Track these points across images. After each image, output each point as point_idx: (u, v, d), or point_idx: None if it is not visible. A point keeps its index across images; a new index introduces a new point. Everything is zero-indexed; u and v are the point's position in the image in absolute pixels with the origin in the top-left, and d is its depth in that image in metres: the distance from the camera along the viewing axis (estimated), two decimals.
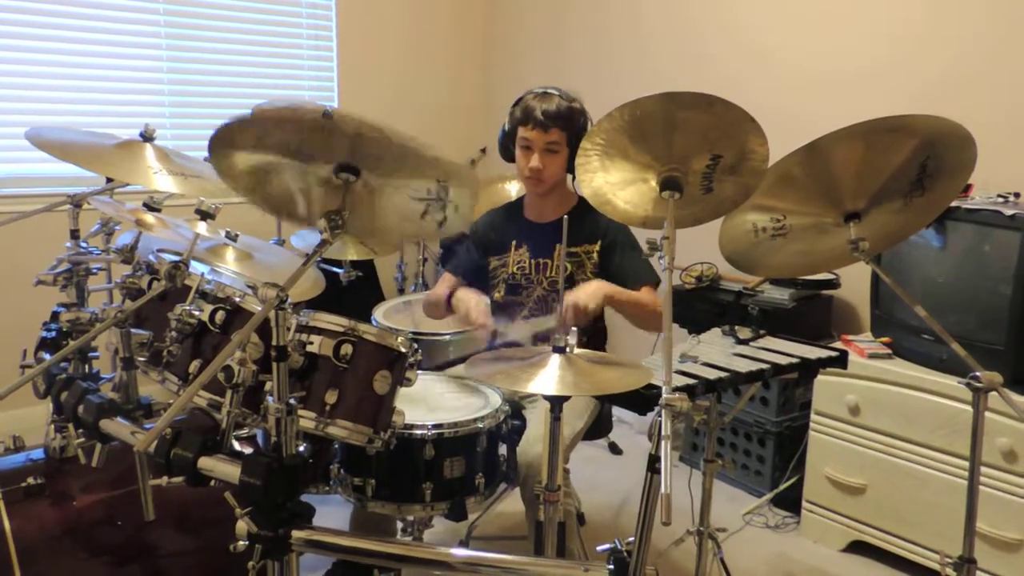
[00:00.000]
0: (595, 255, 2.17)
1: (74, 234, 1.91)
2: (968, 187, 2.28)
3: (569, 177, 2.20)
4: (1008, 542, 2.13)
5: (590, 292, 1.97)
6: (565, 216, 1.54)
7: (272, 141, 1.33)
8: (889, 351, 2.45)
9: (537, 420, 2.01)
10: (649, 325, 2.13)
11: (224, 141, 1.32)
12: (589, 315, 1.96)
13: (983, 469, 2.03)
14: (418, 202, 1.41)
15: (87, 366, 1.79)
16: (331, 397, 1.44)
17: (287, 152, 1.34)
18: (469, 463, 1.72)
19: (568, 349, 1.45)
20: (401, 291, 3.36)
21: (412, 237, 1.44)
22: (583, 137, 2.07)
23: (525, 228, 2.27)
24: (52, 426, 1.64)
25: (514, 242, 2.26)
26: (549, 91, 2.12)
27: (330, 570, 2.07)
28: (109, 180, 2.07)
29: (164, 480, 1.26)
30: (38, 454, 1.68)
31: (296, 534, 1.23)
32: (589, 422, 2.16)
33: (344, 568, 1.97)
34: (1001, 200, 2.23)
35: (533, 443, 1.88)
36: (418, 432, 1.66)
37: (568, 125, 2.09)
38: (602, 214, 2.15)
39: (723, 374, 1.67)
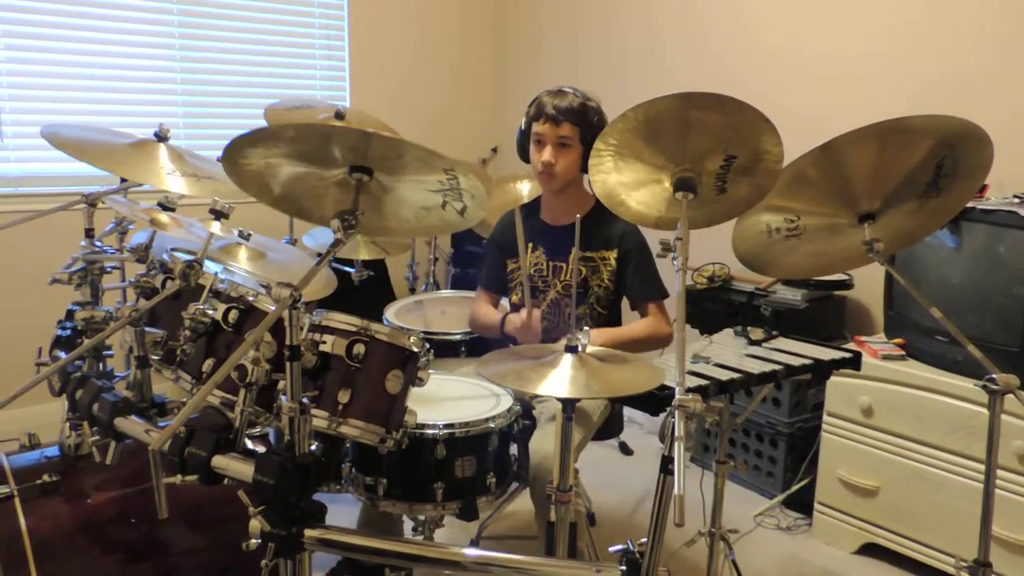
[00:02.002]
0: (612, 262, 2.16)
1: (89, 233, 1.92)
2: (983, 188, 2.26)
3: (585, 178, 2.20)
4: (1023, 545, 2.11)
5: None
6: (578, 217, 1.53)
7: (284, 149, 1.34)
8: (903, 352, 2.43)
9: (546, 420, 2.01)
10: (648, 350, 2.14)
11: (237, 151, 1.32)
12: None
13: (998, 472, 2.01)
14: (435, 194, 1.42)
15: (101, 364, 1.80)
16: (344, 396, 1.44)
17: (300, 157, 1.35)
18: (480, 463, 1.72)
19: (580, 349, 1.45)
20: (412, 290, 3.37)
21: (438, 229, 1.43)
22: (598, 135, 2.08)
23: (541, 230, 2.27)
24: (67, 424, 1.65)
25: (531, 244, 2.26)
26: (565, 89, 2.13)
27: (334, 568, 2.08)
28: (124, 179, 2.08)
29: (178, 478, 1.27)
30: (53, 451, 1.70)
31: (309, 533, 1.24)
32: (600, 422, 2.16)
33: (349, 565, 1.97)
34: (1017, 201, 2.21)
35: (542, 443, 1.88)
36: (430, 432, 1.66)
37: (580, 120, 2.09)
38: (620, 219, 2.15)
39: (735, 375, 1.67)
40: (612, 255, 2.16)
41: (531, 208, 2.34)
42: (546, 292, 2.23)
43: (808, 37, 2.96)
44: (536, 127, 2.13)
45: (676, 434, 1.05)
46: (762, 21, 3.10)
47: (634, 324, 2.16)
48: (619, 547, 1.22)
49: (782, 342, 1.94)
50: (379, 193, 1.42)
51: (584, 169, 2.14)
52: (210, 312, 1.48)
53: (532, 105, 2.16)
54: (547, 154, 2.12)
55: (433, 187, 1.40)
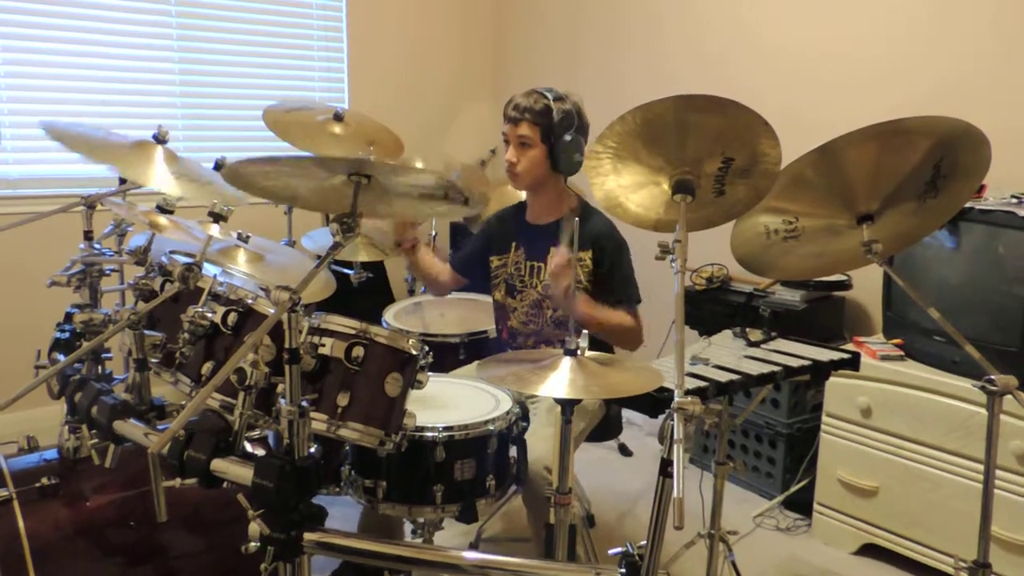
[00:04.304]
0: (588, 262, 2.15)
1: (87, 235, 1.92)
2: (982, 187, 2.27)
3: (560, 178, 2.20)
4: (1023, 546, 2.11)
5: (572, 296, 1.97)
6: (576, 220, 1.53)
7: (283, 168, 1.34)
8: (901, 353, 2.43)
9: (539, 421, 2.01)
10: (623, 344, 2.14)
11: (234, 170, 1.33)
12: (560, 293, 1.96)
13: (997, 472, 2.01)
14: (437, 189, 1.42)
15: (100, 367, 1.80)
16: (343, 399, 1.44)
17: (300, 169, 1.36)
18: (480, 465, 1.72)
19: (579, 352, 1.45)
20: (411, 292, 3.36)
21: (445, 215, 1.44)
22: (563, 135, 2.09)
23: (524, 229, 2.29)
24: (66, 427, 1.65)
25: (514, 243, 2.28)
26: (538, 89, 2.14)
27: (337, 570, 2.08)
28: (122, 181, 2.08)
29: (177, 481, 1.26)
30: (52, 454, 1.69)
31: (308, 536, 1.24)
32: (593, 423, 2.16)
33: (351, 568, 1.97)
34: (1015, 201, 2.22)
35: (535, 444, 1.88)
36: (429, 434, 1.66)
37: (539, 119, 2.10)
38: (598, 220, 2.16)
39: (734, 376, 1.67)
40: (588, 255, 2.16)
41: (520, 207, 2.36)
42: (524, 293, 2.23)
43: (807, 39, 2.96)
44: (503, 127, 2.18)
45: (675, 436, 1.05)
46: (762, 24, 3.11)
47: (616, 311, 2.13)
48: (618, 549, 1.22)
49: (781, 343, 1.95)
50: (381, 188, 1.41)
51: (555, 168, 2.15)
52: (209, 315, 1.48)
53: None
54: (509, 153, 2.16)
55: (432, 185, 1.41)
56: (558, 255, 1.94)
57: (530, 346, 2.25)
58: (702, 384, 1.61)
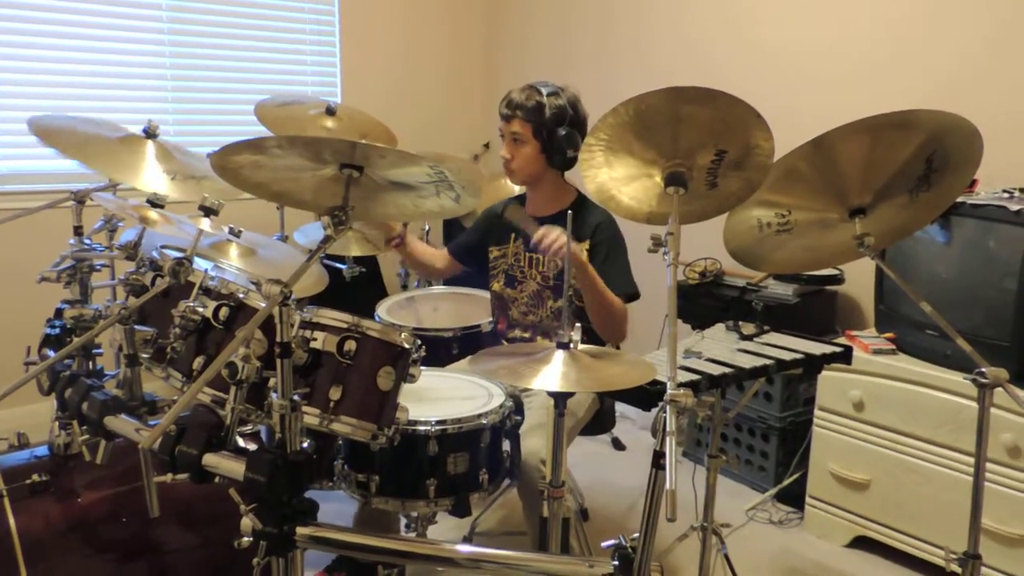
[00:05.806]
0: (585, 254, 2.16)
1: (77, 231, 1.91)
2: (973, 182, 2.27)
3: (557, 172, 2.20)
4: (1012, 538, 2.13)
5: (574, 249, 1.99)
6: (569, 213, 1.53)
7: (274, 153, 1.33)
8: (893, 347, 2.44)
9: (533, 414, 2.01)
10: (607, 328, 2.08)
11: (223, 157, 1.32)
12: (557, 257, 2.01)
13: (987, 465, 2.02)
14: (427, 185, 1.42)
15: (91, 363, 1.79)
16: (335, 393, 1.44)
17: (290, 158, 1.35)
18: (473, 459, 1.72)
19: (572, 345, 1.45)
20: (404, 287, 3.35)
21: (436, 214, 1.42)
22: (556, 130, 2.09)
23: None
24: (56, 423, 1.64)
25: (513, 234, 2.28)
26: (534, 85, 2.14)
27: (331, 565, 2.07)
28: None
29: (169, 477, 1.26)
30: (43, 451, 1.69)
31: (300, 530, 1.23)
32: (587, 417, 2.16)
33: (346, 563, 1.97)
34: (1006, 195, 2.22)
35: (528, 439, 1.88)
36: (422, 428, 1.66)
37: (531, 116, 2.10)
38: (596, 212, 2.16)
39: (727, 370, 1.67)
40: (584, 246, 2.16)
41: (520, 199, 2.37)
42: (524, 284, 2.24)
43: (801, 33, 2.97)
44: (499, 123, 2.18)
45: (668, 429, 1.05)
46: (754, 17, 3.11)
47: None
48: (611, 542, 1.22)
49: (773, 337, 1.95)
50: (373, 185, 1.41)
51: (552, 163, 2.15)
52: (200, 309, 1.47)
53: None
54: (503, 150, 2.17)
55: (423, 179, 1.40)
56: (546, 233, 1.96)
57: (528, 338, 2.25)
58: (695, 377, 1.61)
